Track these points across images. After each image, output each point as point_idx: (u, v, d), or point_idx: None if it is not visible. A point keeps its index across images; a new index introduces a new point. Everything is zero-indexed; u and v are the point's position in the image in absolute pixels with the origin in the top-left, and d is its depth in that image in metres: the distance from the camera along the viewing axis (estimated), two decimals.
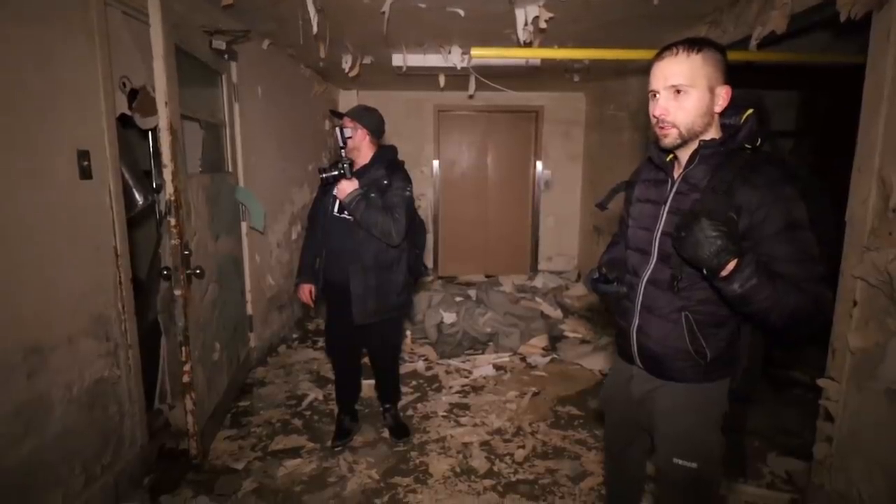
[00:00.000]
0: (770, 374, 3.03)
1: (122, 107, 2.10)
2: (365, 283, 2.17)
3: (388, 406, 2.56)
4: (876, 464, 1.67)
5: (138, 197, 2.38)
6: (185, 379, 2.07)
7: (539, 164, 5.60)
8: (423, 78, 4.29)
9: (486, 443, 2.45)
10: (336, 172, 2.12)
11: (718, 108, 1.19)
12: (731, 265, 1.06)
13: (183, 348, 2.05)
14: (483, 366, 3.34)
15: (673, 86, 1.17)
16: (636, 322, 1.34)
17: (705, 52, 1.17)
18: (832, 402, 1.84)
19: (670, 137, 1.21)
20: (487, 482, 2.16)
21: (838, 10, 1.86)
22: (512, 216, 5.74)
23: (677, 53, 1.18)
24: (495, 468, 2.26)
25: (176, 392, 2.42)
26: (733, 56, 1.23)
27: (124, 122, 2.19)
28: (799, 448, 2.25)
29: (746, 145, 1.20)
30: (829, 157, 2.74)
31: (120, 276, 1.95)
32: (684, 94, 1.17)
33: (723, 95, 1.18)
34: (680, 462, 1.30)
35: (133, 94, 2.19)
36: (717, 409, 1.27)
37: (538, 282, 5.10)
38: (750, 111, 1.21)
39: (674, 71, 1.18)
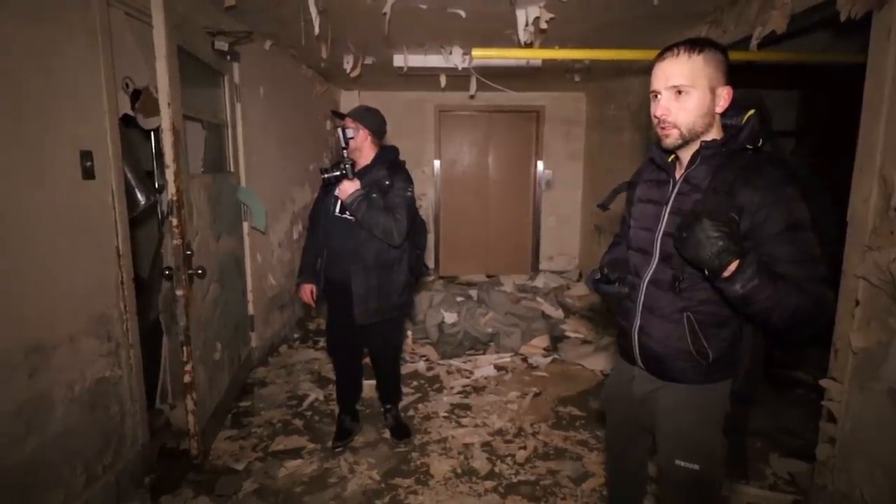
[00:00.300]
0: (772, 374, 3.03)
1: (125, 107, 2.11)
2: (366, 282, 2.17)
3: (389, 406, 2.56)
4: (878, 464, 1.66)
5: (140, 197, 2.39)
6: (187, 379, 2.07)
7: (540, 164, 5.60)
8: (424, 78, 4.30)
9: (487, 444, 2.45)
10: (338, 173, 2.13)
11: (720, 109, 1.19)
12: (733, 266, 1.06)
13: (184, 348, 2.05)
14: (484, 366, 3.34)
15: (674, 86, 1.17)
16: (638, 322, 1.33)
17: (706, 52, 1.17)
18: (834, 402, 1.84)
19: (671, 138, 1.21)
20: (489, 483, 2.16)
21: (838, 9, 1.86)
22: (513, 216, 5.74)
23: (678, 54, 1.18)
24: (496, 469, 2.25)
25: (177, 392, 2.43)
26: (734, 56, 1.23)
27: (127, 122, 2.19)
28: (801, 449, 2.25)
29: (748, 146, 1.20)
30: (830, 156, 2.74)
31: (122, 276, 1.96)
32: (685, 95, 1.17)
33: (724, 96, 1.18)
34: (682, 463, 1.30)
35: (136, 95, 2.20)
36: (718, 409, 1.27)
37: (539, 281, 5.10)
38: (751, 112, 1.21)
39: (675, 71, 1.18)
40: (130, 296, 2.01)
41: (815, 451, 1.92)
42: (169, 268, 2.05)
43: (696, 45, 1.18)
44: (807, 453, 2.04)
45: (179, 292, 2.01)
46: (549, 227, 5.70)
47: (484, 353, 3.57)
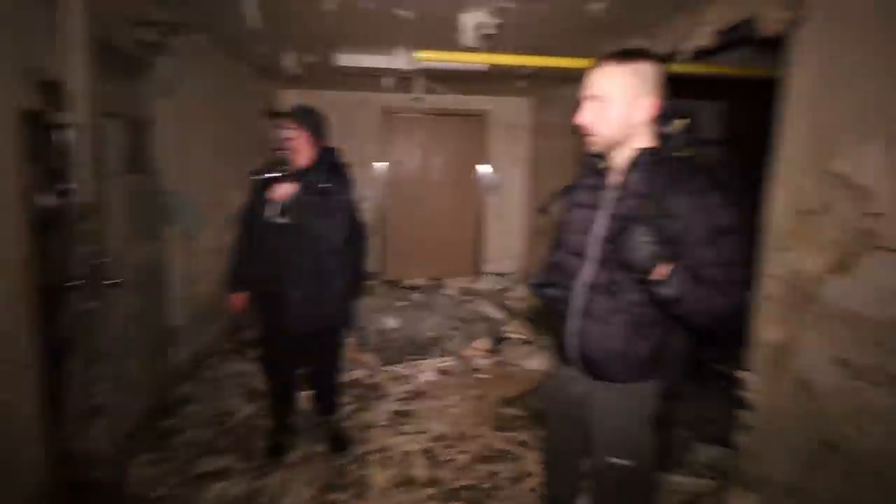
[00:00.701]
0: (699, 368, 3.19)
1: (34, 102, 1.89)
2: (303, 290, 2.07)
3: (326, 418, 2.45)
4: (789, 448, 1.78)
5: (47, 200, 2.15)
6: (97, 400, 1.88)
7: (485, 168, 5.66)
8: (369, 79, 4.22)
9: (428, 450, 2.41)
10: (274, 174, 2.02)
11: (639, 119, 1.23)
12: (663, 269, 1.10)
13: (95, 366, 1.87)
14: (427, 371, 3.30)
15: (593, 95, 1.22)
16: (574, 325, 1.36)
17: (632, 63, 1.21)
18: (750, 392, 1.95)
19: (593, 144, 1.26)
20: (429, 491, 2.12)
21: (756, 28, 1.99)
22: (457, 219, 5.75)
23: (602, 64, 1.23)
24: (437, 476, 2.22)
25: (87, 415, 2.21)
26: (668, 68, 1.28)
27: (35, 118, 1.97)
28: (724, 437, 2.36)
29: (679, 153, 1.25)
30: (754, 164, 2.94)
31: (23, 288, 1.75)
32: (602, 104, 1.22)
33: (646, 106, 1.22)
34: (616, 461, 1.33)
35: (46, 88, 1.98)
36: (650, 407, 1.31)
37: (483, 284, 5.14)
38: (681, 121, 1.28)
39: (595, 81, 1.23)
40: (33, 310, 1.80)
41: (734, 438, 2.04)
42: (79, 277, 1.86)
43: (622, 55, 1.22)
44: (728, 441, 2.15)
45: (90, 305, 1.83)
46: (493, 230, 5.77)
47: (427, 358, 3.53)
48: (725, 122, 4.75)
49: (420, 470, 2.25)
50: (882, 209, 1.47)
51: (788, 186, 1.81)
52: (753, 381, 1.95)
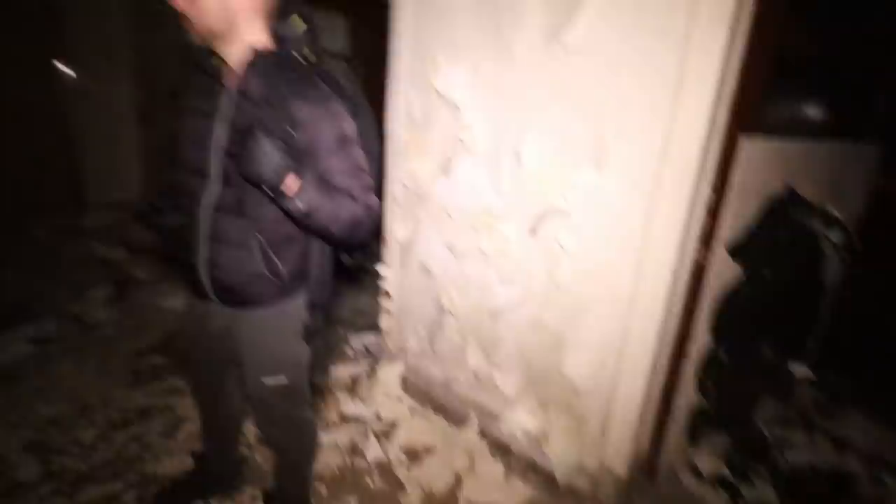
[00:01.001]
0: (343, 270, 3.49)
1: None
2: None
3: None
4: (418, 321, 2.20)
5: None
6: None
7: (63, 68, 4.14)
8: None
9: (37, 442, 1.82)
10: None
11: (241, 9, 1.09)
12: (292, 182, 1.04)
13: None
14: (13, 344, 2.39)
15: None
16: (203, 254, 1.19)
17: None
18: (388, 282, 2.27)
19: (193, 35, 1.09)
20: (44, 489, 1.62)
21: None
22: (35, 135, 4.12)
23: None
24: (56, 467, 1.71)
25: None
26: None
27: None
28: (373, 324, 2.72)
29: (300, 58, 1.16)
30: (378, 80, 3.17)
31: None
32: None
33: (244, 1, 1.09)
34: (270, 381, 1.31)
35: None
36: (297, 321, 1.30)
37: (89, 220, 4.01)
38: (301, 23, 1.18)
39: None
40: None
41: (379, 322, 2.36)
42: None
43: None
44: (376, 326, 2.48)
45: None
46: (94, 147, 4.42)
47: (13, 328, 2.54)
48: (350, 37, 4.97)
49: (27, 469, 1.68)
50: (468, 122, 1.83)
51: (402, 101, 2.04)
52: (389, 273, 2.27)
